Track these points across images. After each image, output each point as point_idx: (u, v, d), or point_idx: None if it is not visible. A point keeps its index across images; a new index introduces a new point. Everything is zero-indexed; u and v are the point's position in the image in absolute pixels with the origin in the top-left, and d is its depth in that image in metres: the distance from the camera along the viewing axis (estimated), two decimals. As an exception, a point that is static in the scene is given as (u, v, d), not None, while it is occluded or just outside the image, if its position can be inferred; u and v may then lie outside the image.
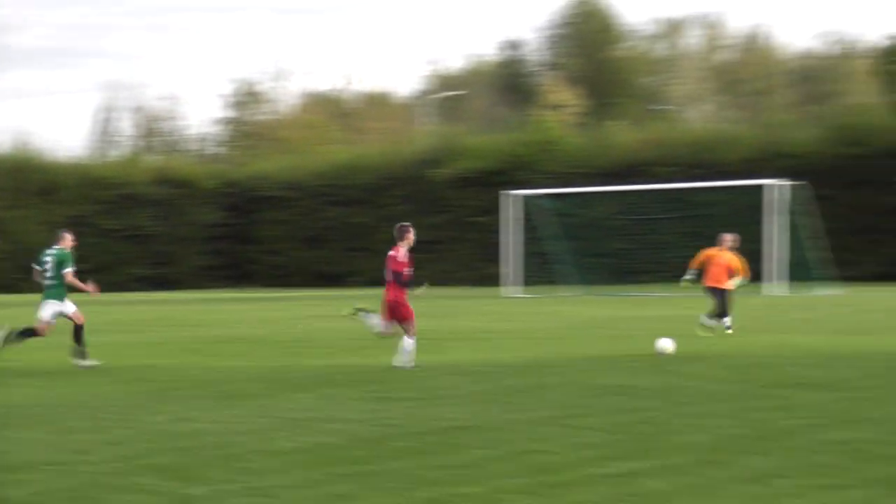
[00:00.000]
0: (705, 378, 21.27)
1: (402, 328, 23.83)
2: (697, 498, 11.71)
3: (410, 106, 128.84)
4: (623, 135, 75.18)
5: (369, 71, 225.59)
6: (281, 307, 51.00)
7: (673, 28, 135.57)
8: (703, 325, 30.51)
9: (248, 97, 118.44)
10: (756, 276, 53.30)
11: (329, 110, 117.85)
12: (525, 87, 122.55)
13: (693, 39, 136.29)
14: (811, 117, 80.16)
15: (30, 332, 26.03)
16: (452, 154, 73.83)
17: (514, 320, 39.02)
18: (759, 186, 55.90)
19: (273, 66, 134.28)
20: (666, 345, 25.43)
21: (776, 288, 52.09)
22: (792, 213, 54.22)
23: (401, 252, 23.88)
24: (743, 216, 59.04)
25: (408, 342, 23.77)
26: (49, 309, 25.90)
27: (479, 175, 71.20)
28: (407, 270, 23.95)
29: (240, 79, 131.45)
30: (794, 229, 54.30)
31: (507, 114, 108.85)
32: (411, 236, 24.25)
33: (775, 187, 54.41)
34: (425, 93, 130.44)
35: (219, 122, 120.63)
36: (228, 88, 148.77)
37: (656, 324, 35.07)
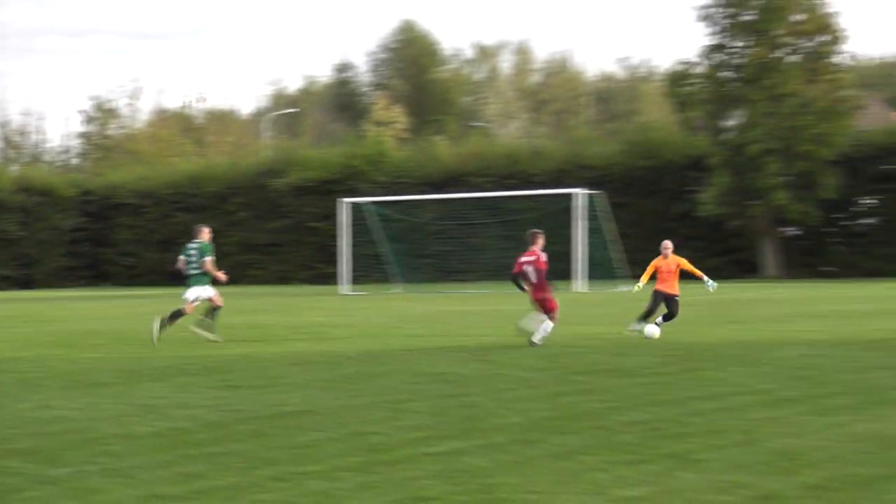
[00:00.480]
0: (520, 366, 21.39)
1: (549, 317, 25.26)
2: (514, 473, 11.76)
3: (252, 122, 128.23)
4: (444, 148, 75.55)
5: (215, 90, 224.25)
6: (135, 304, 50.44)
7: (487, 53, 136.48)
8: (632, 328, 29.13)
9: (104, 113, 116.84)
10: (565, 274, 53.92)
11: (179, 125, 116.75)
12: (356, 105, 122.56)
13: (505, 63, 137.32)
14: (609, 133, 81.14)
15: (177, 314, 27.81)
16: (291, 165, 73.60)
17: (348, 315, 38.94)
18: (565, 195, 56.41)
19: (128, 85, 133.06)
20: (654, 331, 26.43)
21: (580, 285, 52.58)
22: (593, 218, 54.77)
23: (540, 255, 25.22)
24: (551, 221, 59.52)
25: (549, 325, 25.12)
26: (194, 292, 27.93)
27: (315, 184, 71.05)
28: (528, 268, 25.43)
29: (97, 96, 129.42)
30: (594, 233, 54.88)
31: (340, 129, 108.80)
32: (542, 240, 25.41)
33: (578, 195, 54.93)
34: (266, 110, 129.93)
35: (78, 136, 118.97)
36: (87, 105, 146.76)
37: (475, 317, 35.24)
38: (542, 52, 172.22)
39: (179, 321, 28.00)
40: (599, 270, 53.84)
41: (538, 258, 25.14)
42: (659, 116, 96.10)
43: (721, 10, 61.21)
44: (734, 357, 22.17)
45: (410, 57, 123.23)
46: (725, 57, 61.63)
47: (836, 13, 60.72)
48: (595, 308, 39.15)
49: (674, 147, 64.97)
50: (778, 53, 60.31)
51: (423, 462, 12.40)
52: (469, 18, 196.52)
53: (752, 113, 59.56)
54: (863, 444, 12.95)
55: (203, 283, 27.99)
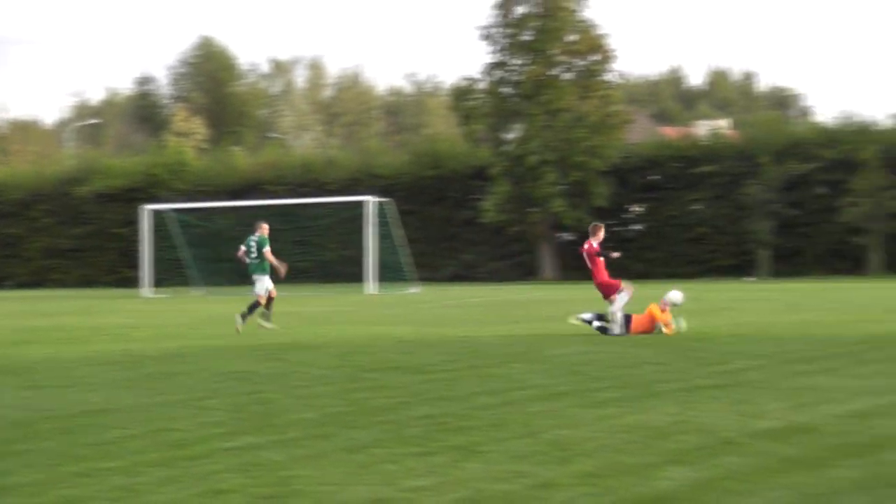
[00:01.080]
0: (313, 364, 21.30)
1: (609, 301, 25.98)
2: (308, 466, 11.70)
3: (56, 132, 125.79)
4: (241, 158, 75.09)
5: (19, 101, 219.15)
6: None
7: (282, 68, 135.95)
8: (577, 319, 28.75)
9: None
10: (357, 277, 53.93)
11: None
12: (157, 117, 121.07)
13: (299, 78, 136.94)
14: (398, 145, 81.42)
15: (255, 305, 30.52)
16: (94, 174, 72.42)
17: (150, 317, 38.40)
18: (356, 202, 56.42)
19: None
20: (676, 296, 26.65)
21: (371, 287, 52.62)
22: (383, 224, 54.87)
23: (594, 244, 25.93)
24: (343, 228, 59.64)
25: (616, 308, 25.94)
26: (261, 284, 30.71)
27: (118, 192, 70.01)
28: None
29: None
30: (385, 238, 54.96)
31: (142, 139, 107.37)
32: (601, 233, 26.33)
33: (369, 203, 54.96)
34: (69, 121, 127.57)
35: None
36: None
37: (275, 319, 35.01)
38: (334, 68, 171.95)
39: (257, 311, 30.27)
40: (389, 273, 53.94)
41: (590, 246, 26.11)
42: (444, 129, 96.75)
43: (501, 30, 61.80)
44: (515, 354, 22.36)
45: (209, 71, 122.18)
46: (505, 74, 62.21)
47: (607, 35, 61.85)
48: (385, 309, 39.19)
49: (458, 158, 65.41)
50: (554, 71, 61.09)
51: (222, 457, 12.27)
52: (264, 35, 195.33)
53: (530, 126, 60.23)
54: (631, 434, 13.15)
55: (262, 272, 30.85)
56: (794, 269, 56.27)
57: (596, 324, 26.67)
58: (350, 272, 58.35)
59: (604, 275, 26.45)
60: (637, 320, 26.41)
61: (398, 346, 24.76)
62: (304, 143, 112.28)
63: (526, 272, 61.38)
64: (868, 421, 13.68)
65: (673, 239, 60.30)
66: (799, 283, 49.09)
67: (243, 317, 29.79)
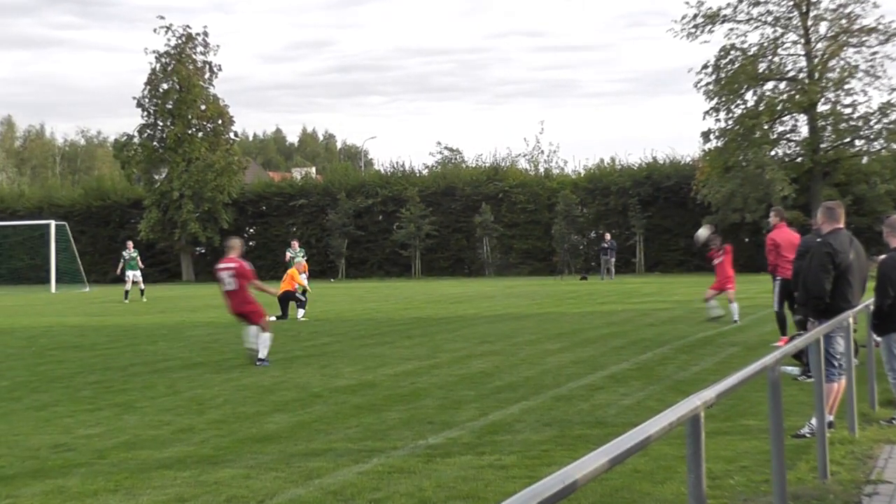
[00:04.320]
0: (7, 346, 20.08)
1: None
2: (2, 422, 11.05)
3: None
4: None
5: None
6: None
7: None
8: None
9: None
10: (44, 281, 51.20)
11: None
12: None
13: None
14: (73, 182, 77.90)
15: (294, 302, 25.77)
16: None
17: None
18: (42, 224, 53.87)
19: None
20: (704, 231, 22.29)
21: (53, 288, 50.06)
22: (61, 241, 52.34)
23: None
24: (30, 244, 56.62)
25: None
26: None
27: None
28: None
29: None
30: (63, 251, 52.48)
31: None
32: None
33: (51, 225, 52.28)
34: None
35: None
36: None
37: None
38: (23, 123, 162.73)
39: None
40: (67, 277, 51.58)
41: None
42: (110, 171, 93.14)
43: (151, 100, 60.28)
44: (162, 335, 21.82)
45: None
46: (155, 132, 60.70)
47: (227, 105, 61.18)
48: (63, 304, 37.43)
49: (120, 192, 63.20)
50: (190, 130, 59.99)
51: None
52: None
53: (173, 170, 58.90)
54: (247, 391, 13.09)
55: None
56: (361, 273, 57.26)
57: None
58: (37, 276, 55.40)
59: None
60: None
61: (73, 331, 23.70)
62: (0, 181, 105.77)
63: (171, 276, 60.02)
64: (412, 378, 14.08)
65: (276, 252, 60.22)
66: (365, 283, 50.04)
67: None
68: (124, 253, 39.34)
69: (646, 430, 4.00)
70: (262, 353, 15.83)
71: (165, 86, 60.32)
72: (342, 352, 17.61)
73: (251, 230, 62.26)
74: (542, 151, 63.97)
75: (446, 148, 68.31)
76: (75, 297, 42.13)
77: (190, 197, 58.34)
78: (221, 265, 16.41)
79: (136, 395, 12.95)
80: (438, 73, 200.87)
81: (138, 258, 39.27)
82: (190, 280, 59.30)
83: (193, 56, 60.31)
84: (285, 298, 25.66)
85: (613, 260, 49.12)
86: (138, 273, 38.60)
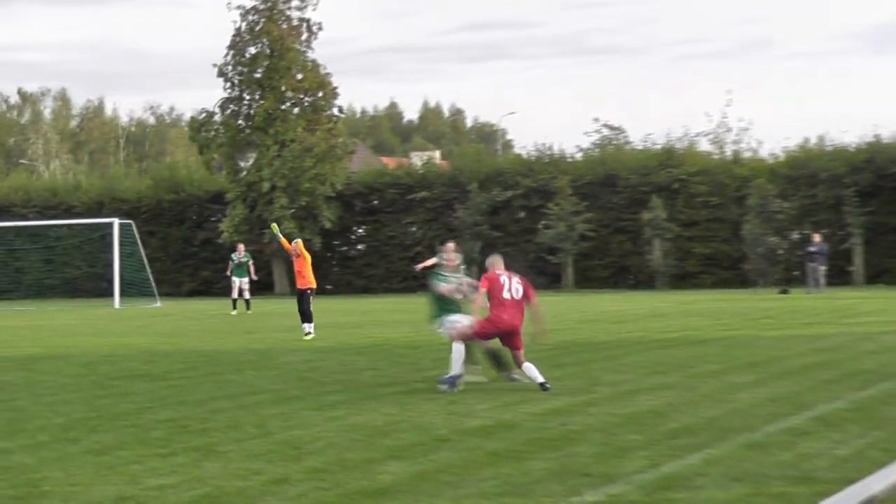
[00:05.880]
0: (61, 374, 20.78)
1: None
2: (57, 468, 11.41)
3: None
4: (-8, 183, 72.67)
5: None
6: None
7: (30, 99, 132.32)
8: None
9: None
10: (104, 293, 52.78)
11: None
12: None
13: (47, 109, 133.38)
14: (140, 171, 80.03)
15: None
16: None
17: None
18: (103, 223, 55.41)
19: None
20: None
21: (116, 302, 51.54)
22: (126, 244, 53.83)
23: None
24: (88, 247, 58.33)
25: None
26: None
27: None
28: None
29: None
30: (128, 257, 53.94)
31: None
32: None
33: (114, 224, 53.82)
34: None
35: None
36: None
37: (20, 331, 34.02)
38: (79, 99, 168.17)
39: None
40: (133, 289, 52.99)
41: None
42: (184, 157, 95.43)
43: (235, 68, 61.44)
44: (249, 362, 22.24)
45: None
46: (240, 108, 61.83)
47: (330, 73, 61.98)
48: (129, 322, 38.46)
49: (197, 183, 64.64)
50: (284, 106, 60.98)
51: (-26, 462, 11.85)
52: (13, 67, 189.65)
53: (262, 155, 59.97)
54: (355, 433, 13.23)
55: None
56: (497, 283, 57.40)
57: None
58: (96, 288, 57.04)
59: None
60: None
61: (141, 355, 24.33)
62: (52, 169, 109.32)
63: (261, 287, 61.07)
64: (561, 418, 14.05)
65: (391, 257, 60.80)
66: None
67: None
68: (234, 255, 40.80)
69: (868, 487, 3.93)
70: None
71: (253, 50, 61.40)
72: (473, 385, 17.67)
73: (359, 230, 63.04)
74: (730, 129, 63.20)
75: (606, 126, 67.85)
76: (143, 314, 43.28)
77: (283, 189, 59.32)
78: (504, 276, 17.00)
79: (217, 436, 13.21)
80: (597, 29, 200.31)
81: (250, 264, 40.60)
82: (284, 292, 60.28)
83: (287, 12, 61.29)
84: None
85: (823, 268, 48.25)
86: (246, 280, 39.78)
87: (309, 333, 28.04)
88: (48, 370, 21.50)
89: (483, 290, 17.04)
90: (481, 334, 17.13)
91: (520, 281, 17.12)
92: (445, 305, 18.32)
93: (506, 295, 16.87)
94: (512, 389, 16.87)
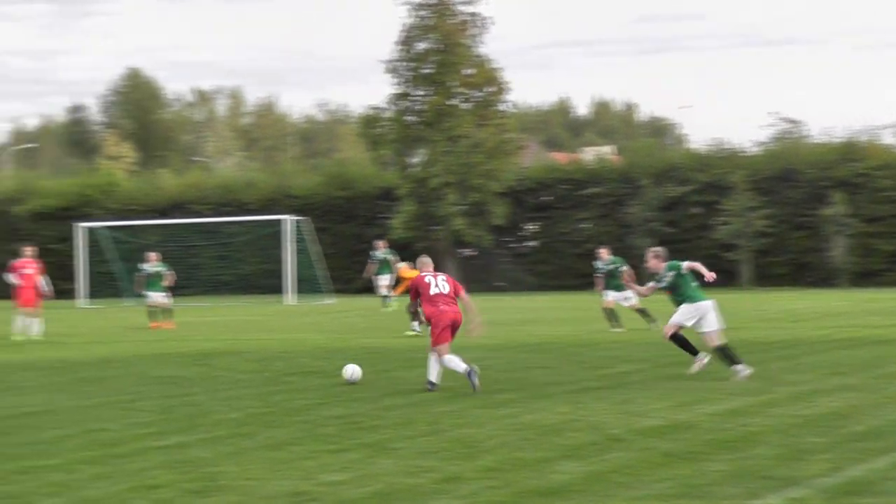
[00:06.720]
0: (236, 369, 21.22)
1: None
2: (233, 463, 11.66)
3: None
4: (168, 180, 74.45)
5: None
6: None
7: (204, 97, 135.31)
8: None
9: None
10: (277, 289, 53.77)
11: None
12: (89, 142, 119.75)
13: (221, 106, 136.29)
14: (311, 168, 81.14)
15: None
16: (30, 194, 71.36)
17: (82, 326, 38.01)
18: (275, 220, 56.32)
19: None
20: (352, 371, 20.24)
21: (290, 298, 52.39)
22: (300, 241, 54.67)
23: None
24: (263, 243, 59.37)
25: None
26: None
27: (53, 211, 69.03)
28: None
29: None
30: (301, 253, 54.79)
31: (75, 162, 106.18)
32: None
33: (287, 221, 54.75)
34: (6, 145, 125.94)
35: None
36: None
37: (194, 327, 34.85)
38: (252, 97, 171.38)
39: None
40: (306, 286, 53.80)
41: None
42: (354, 153, 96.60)
43: (405, 64, 61.91)
44: (420, 360, 22.37)
45: (137, 100, 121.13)
46: (410, 104, 62.29)
47: (501, 68, 62.06)
48: (302, 318, 39.08)
49: (367, 179, 65.31)
50: (453, 101, 61.23)
51: (152, 454, 12.19)
52: (188, 67, 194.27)
53: (432, 151, 60.30)
54: (527, 431, 13.23)
55: (619, 289, 28.75)
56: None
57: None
58: (269, 284, 58.01)
59: None
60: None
61: (314, 352, 24.71)
62: (226, 166, 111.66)
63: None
64: (740, 418, 13.86)
65: (563, 254, 60.63)
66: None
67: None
68: (374, 254, 41.23)
69: None
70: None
71: (422, 45, 61.82)
72: (646, 383, 17.55)
73: (531, 226, 62.98)
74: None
75: (783, 119, 66.57)
76: (316, 311, 43.91)
77: (453, 185, 59.60)
78: (430, 276, 17.99)
79: (389, 433, 13.35)
80: (777, 19, 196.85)
81: (391, 259, 41.02)
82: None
83: (456, 7, 61.52)
84: None
85: None
86: (387, 277, 40.27)
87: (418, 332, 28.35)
88: (224, 366, 21.97)
89: (414, 294, 18.09)
90: (438, 339, 17.48)
91: (446, 278, 18.03)
92: None
93: (433, 291, 17.67)
94: (688, 389, 16.69)
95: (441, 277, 17.96)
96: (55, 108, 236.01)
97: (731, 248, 56.43)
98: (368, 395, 16.83)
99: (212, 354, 24.59)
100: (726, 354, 18.15)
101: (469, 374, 16.99)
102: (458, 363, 17.20)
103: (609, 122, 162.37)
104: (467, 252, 62.77)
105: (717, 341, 18.19)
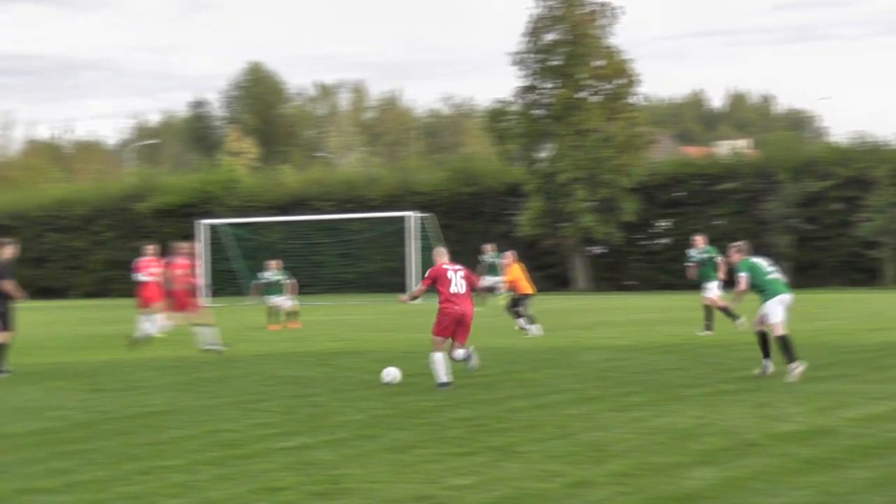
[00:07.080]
0: (360, 369, 21.38)
1: None
2: (357, 465, 11.74)
3: (117, 151, 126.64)
4: (290, 176, 75.25)
5: (83, 122, 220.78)
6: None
7: (327, 91, 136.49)
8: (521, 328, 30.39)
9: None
10: (401, 287, 54.06)
11: (49, 154, 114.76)
12: (210, 138, 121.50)
13: (344, 101, 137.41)
14: (436, 163, 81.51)
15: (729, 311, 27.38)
16: (152, 190, 72.67)
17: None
18: (398, 217, 56.62)
19: (1, 117, 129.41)
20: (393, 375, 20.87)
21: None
22: (424, 238, 54.93)
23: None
24: (386, 241, 59.77)
25: None
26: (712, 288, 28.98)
27: (175, 208, 70.21)
28: None
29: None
30: (427, 251, 55.05)
31: (197, 159, 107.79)
32: None
33: (411, 218, 55.06)
34: (129, 141, 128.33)
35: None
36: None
37: (318, 326, 35.16)
38: (375, 91, 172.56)
39: None
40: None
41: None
42: (479, 148, 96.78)
43: (532, 56, 61.88)
44: (548, 360, 22.39)
45: (258, 94, 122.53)
46: (537, 97, 62.26)
47: (631, 60, 61.79)
48: (426, 317, 39.08)
49: (493, 175, 65.43)
50: (582, 94, 61.06)
51: (276, 456, 12.33)
52: (311, 60, 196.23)
53: (560, 146, 60.22)
54: (659, 435, 13.15)
55: (710, 280, 29.23)
56: (812, 280, 55.89)
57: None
58: (392, 282, 58.35)
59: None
60: None
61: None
62: (349, 161, 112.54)
63: (559, 283, 61.27)
64: (884, 424, 13.65)
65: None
66: (817, 294, 48.79)
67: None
68: (483, 258, 41.57)
69: None
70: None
71: (550, 37, 61.70)
72: (785, 386, 17.33)
73: (663, 223, 62.52)
74: None
75: (930, 109, 65.46)
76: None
77: (582, 180, 59.40)
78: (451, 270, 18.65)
79: (517, 436, 13.35)
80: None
81: (499, 263, 41.27)
82: (584, 288, 60.43)
83: (584, -4, 61.27)
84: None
85: None
86: (499, 280, 40.49)
87: (526, 329, 29.81)
88: (347, 366, 22.16)
89: (426, 283, 18.73)
90: (438, 332, 18.30)
91: (464, 274, 18.55)
92: None
93: (453, 289, 18.26)
94: (828, 392, 16.45)
95: (460, 273, 18.47)
96: (177, 104, 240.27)
97: (873, 245, 55.49)
98: (495, 397, 16.85)
99: (335, 354, 24.81)
100: (786, 347, 18.25)
101: (443, 386, 17.83)
102: (440, 369, 17.98)
103: (745, 114, 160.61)
104: (596, 250, 62.56)
105: (780, 331, 18.28)
